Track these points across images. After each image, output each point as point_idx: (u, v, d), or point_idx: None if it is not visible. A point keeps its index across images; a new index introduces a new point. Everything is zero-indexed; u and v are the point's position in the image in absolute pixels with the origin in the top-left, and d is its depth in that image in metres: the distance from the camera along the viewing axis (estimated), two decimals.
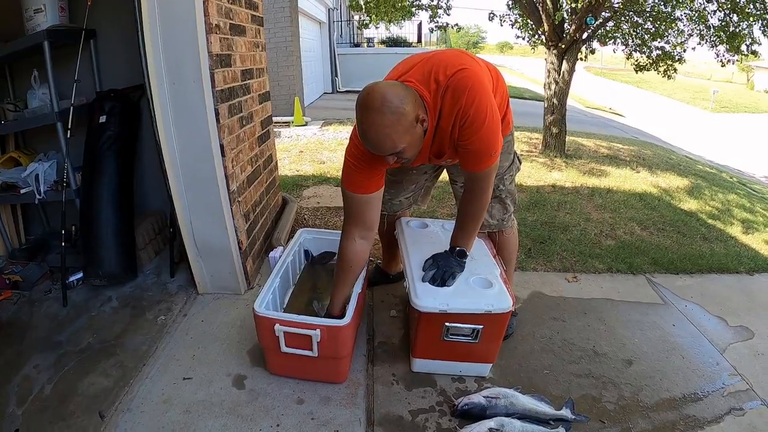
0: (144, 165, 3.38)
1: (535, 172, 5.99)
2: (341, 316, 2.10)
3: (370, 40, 22.79)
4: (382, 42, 23.17)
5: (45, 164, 3.25)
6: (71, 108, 2.97)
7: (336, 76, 16.03)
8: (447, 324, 2.17)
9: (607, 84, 29.59)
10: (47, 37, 2.88)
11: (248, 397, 2.19)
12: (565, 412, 2.15)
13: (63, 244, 2.98)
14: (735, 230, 4.82)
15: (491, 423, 1.99)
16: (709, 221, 4.98)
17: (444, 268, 2.26)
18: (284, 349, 2.11)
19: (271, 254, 3.25)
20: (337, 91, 15.94)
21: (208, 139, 2.58)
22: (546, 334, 2.77)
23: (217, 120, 2.59)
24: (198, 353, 2.49)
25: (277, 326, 2.06)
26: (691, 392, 2.45)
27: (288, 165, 6.15)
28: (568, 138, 7.76)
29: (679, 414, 2.29)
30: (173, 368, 2.39)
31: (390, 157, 1.89)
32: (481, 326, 2.19)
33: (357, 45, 21.19)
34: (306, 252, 3.01)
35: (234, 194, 2.81)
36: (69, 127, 2.97)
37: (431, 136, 2.03)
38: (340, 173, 4.87)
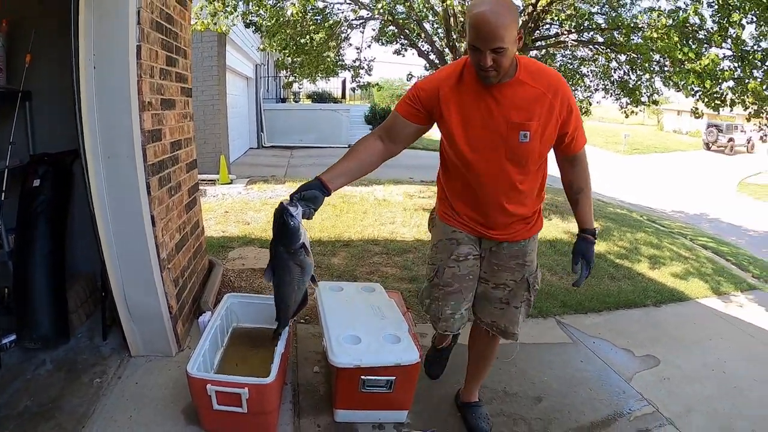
0: (75, 227, 3.43)
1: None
2: (328, 187, 2.06)
3: (296, 95, 23.15)
4: (309, 96, 23.56)
5: None
6: (6, 170, 3.06)
7: (262, 131, 16.27)
8: (362, 377, 2.38)
9: None
10: None
11: None
12: None
13: None
14: (642, 267, 5.25)
15: None
16: (617, 261, 5.41)
17: (591, 260, 2.32)
18: (216, 407, 2.24)
19: (200, 319, 3.34)
20: (263, 146, 16.15)
21: (140, 210, 2.71)
22: (459, 379, 2.94)
23: (148, 192, 2.74)
24: (135, 414, 2.57)
25: (209, 386, 2.20)
26: (599, 420, 2.73)
27: (213, 226, 6.18)
28: None
29: None
30: (112, 430, 2.46)
31: (489, 55, 1.85)
32: (394, 377, 2.42)
33: (283, 100, 21.53)
34: None
35: (164, 261, 2.93)
36: (3, 189, 3.06)
37: (515, 96, 2.01)
38: (264, 236, 5.04)
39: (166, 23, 3.04)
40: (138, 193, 2.69)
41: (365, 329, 2.58)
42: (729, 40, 4.91)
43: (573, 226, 6.52)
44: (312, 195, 2.00)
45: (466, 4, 6.57)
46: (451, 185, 2.31)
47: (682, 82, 5.12)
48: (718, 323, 4.18)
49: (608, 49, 6.25)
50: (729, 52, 5.07)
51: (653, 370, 3.31)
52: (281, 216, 1.96)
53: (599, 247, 5.71)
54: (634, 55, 5.72)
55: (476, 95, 2.03)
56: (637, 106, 7.51)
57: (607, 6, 6.44)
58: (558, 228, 6.58)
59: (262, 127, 16.24)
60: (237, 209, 7.29)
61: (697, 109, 6.35)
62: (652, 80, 6.88)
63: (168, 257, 3.02)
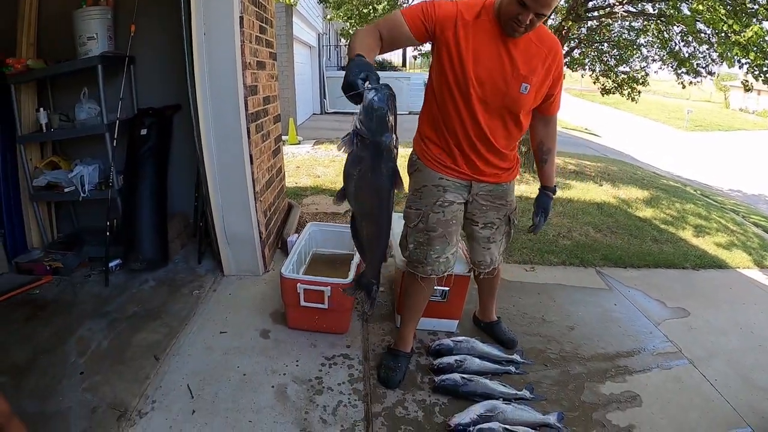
0: (173, 172, 3.97)
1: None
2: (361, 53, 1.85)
3: None
4: None
5: (89, 167, 3.82)
6: (117, 121, 3.60)
7: (324, 98, 16.66)
8: None
9: (585, 105, 30.00)
10: (100, 61, 3.51)
11: (273, 344, 2.83)
12: (516, 356, 2.81)
13: (107, 233, 3.56)
14: (686, 234, 5.35)
15: (452, 360, 2.65)
16: (662, 226, 5.55)
17: (548, 212, 2.63)
18: (303, 303, 2.77)
19: (289, 239, 3.91)
20: (325, 112, 16.52)
21: (241, 150, 3.29)
22: (504, 306, 3.38)
23: (248, 135, 3.30)
24: (230, 316, 3.14)
25: (298, 285, 2.74)
26: (624, 350, 3.03)
27: (288, 178, 6.65)
28: None
29: (611, 364, 2.88)
30: (211, 326, 3.02)
31: (530, 17, 1.96)
32: (448, 288, 2.86)
33: (344, 68, 21.89)
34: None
35: (257, 194, 3.49)
36: (115, 136, 3.59)
37: (527, 51, 2.15)
38: (333, 186, 5.48)
39: None
40: (240, 135, 3.25)
41: None
42: None
43: (622, 193, 6.74)
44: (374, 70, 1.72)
45: None
46: (442, 127, 2.33)
47: (727, 53, 5.18)
48: (755, 291, 4.20)
49: (658, 20, 6.32)
50: None
51: (682, 319, 3.51)
52: (386, 93, 1.59)
53: (645, 213, 5.98)
54: (684, 27, 5.80)
55: (491, 38, 2.12)
56: (695, 77, 7.47)
57: None
58: (608, 193, 6.77)
59: (325, 93, 16.65)
60: (307, 165, 7.84)
61: (747, 81, 6.37)
62: (708, 51, 6.88)
63: (260, 191, 3.57)
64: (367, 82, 1.60)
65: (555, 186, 2.63)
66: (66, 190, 3.77)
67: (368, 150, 1.62)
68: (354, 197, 1.72)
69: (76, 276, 3.62)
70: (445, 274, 2.56)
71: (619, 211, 5.94)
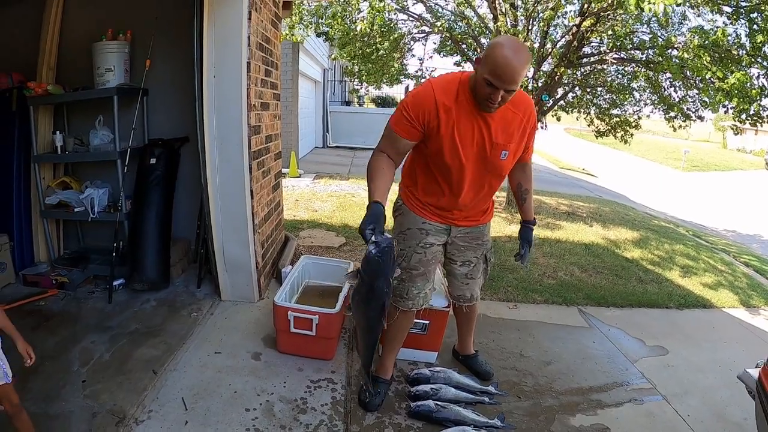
0: (178, 200, 4.19)
1: (495, 225, 6.56)
2: (384, 203, 2.25)
3: (360, 99, 23.68)
4: (372, 101, 23.98)
5: (99, 190, 4.04)
6: (128, 149, 3.85)
7: (327, 131, 16.87)
8: None
9: (584, 145, 30.23)
10: (116, 92, 3.77)
11: (263, 366, 3.03)
12: (490, 388, 2.98)
13: (114, 254, 3.78)
14: (673, 274, 5.44)
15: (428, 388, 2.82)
16: (649, 266, 5.65)
17: (531, 243, 2.84)
18: (293, 330, 2.98)
19: (284, 270, 4.10)
20: (327, 146, 16.71)
21: (243, 185, 3.54)
22: (483, 341, 3.54)
23: (250, 171, 3.55)
24: (224, 338, 3.33)
25: (289, 312, 2.96)
26: (598, 385, 3.16)
27: (286, 211, 6.74)
28: (533, 197, 8.59)
29: (584, 398, 3.02)
30: (206, 346, 3.22)
31: (503, 95, 2.14)
32: (428, 321, 3.07)
33: (348, 103, 22.02)
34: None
35: (256, 226, 3.72)
36: (126, 163, 3.84)
37: (504, 120, 2.35)
38: (329, 221, 5.67)
39: (265, 43, 3.83)
40: (243, 171, 3.51)
41: None
42: (760, 58, 5.14)
43: (611, 233, 6.90)
44: (384, 220, 2.20)
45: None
46: (428, 185, 2.57)
47: (711, 100, 5.40)
48: (738, 330, 4.27)
49: (646, 68, 6.53)
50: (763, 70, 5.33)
51: (660, 357, 3.58)
52: (384, 248, 2.06)
53: (633, 253, 6.10)
54: (669, 74, 6.02)
55: (470, 115, 2.31)
56: (685, 120, 7.68)
57: (654, 24, 6.68)
58: (597, 234, 6.92)
59: (328, 128, 16.88)
60: (306, 198, 8.05)
61: (735, 125, 6.57)
62: (697, 96, 7.07)
63: (259, 224, 3.80)
64: (373, 236, 2.06)
65: (534, 219, 2.89)
66: (76, 209, 3.99)
67: (364, 288, 2.16)
68: (353, 311, 2.29)
69: (80, 291, 3.83)
70: (423, 306, 2.76)
71: (606, 251, 6.07)
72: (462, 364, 3.24)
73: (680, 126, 7.90)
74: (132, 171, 3.96)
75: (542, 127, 8.12)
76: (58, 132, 3.96)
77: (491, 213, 2.81)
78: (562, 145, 28.36)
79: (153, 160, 3.93)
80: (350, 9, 7.23)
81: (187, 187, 4.19)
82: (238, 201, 3.56)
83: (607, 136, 8.68)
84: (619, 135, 8.48)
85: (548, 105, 7.61)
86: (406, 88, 18.92)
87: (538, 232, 6.48)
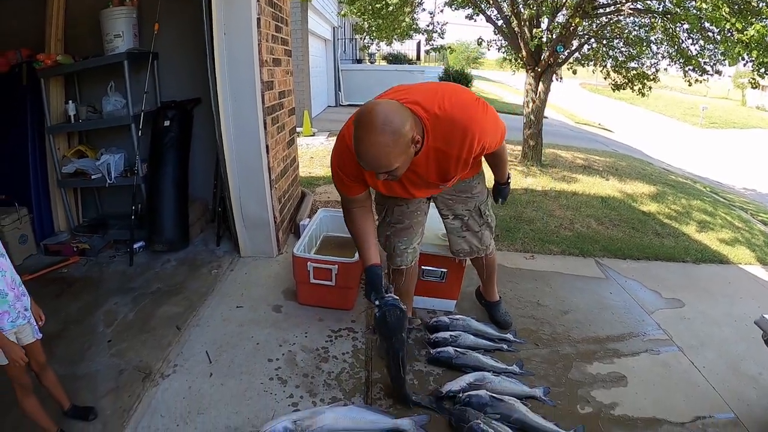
0: (193, 162, 4.22)
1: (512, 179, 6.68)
2: (379, 265, 2.33)
3: (371, 56, 23.37)
4: (384, 58, 23.66)
5: (115, 156, 4.08)
6: (142, 113, 3.87)
7: (339, 90, 16.79)
8: (423, 267, 3.06)
9: (600, 101, 29.67)
10: (127, 57, 3.78)
11: (284, 317, 3.10)
12: (508, 335, 3.02)
13: (132, 217, 3.85)
14: (689, 229, 5.38)
15: (447, 335, 2.87)
16: (665, 220, 5.60)
17: (505, 197, 2.90)
18: (312, 280, 3.03)
19: (301, 223, 4.16)
20: (340, 105, 16.62)
21: (258, 141, 3.57)
22: (501, 290, 3.49)
23: (264, 127, 3.56)
24: (245, 292, 3.40)
25: (309, 263, 3.00)
26: (615, 335, 3.17)
27: (301, 168, 6.81)
28: (548, 150, 8.55)
29: (600, 347, 3.04)
30: (228, 301, 3.29)
31: (381, 175, 1.95)
32: (446, 270, 3.09)
33: (359, 61, 21.88)
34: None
35: (273, 182, 3.76)
36: (140, 127, 3.86)
37: (433, 161, 2.13)
38: None
39: None
40: (257, 127, 3.53)
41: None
42: None
43: (627, 187, 6.83)
44: (380, 281, 2.28)
45: None
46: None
47: (730, 52, 5.24)
48: (754, 287, 4.19)
49: (663, 19, 6.35)
50: None
51: (676, 310, 3.57)
52: (387, 311, 2.21)
53: (649, 207, 6.05)
54: (687, 25, 5.85)
55: None
56: (701, 75, 7.49)
57: None
58: (614, 187, 6.85)
59: (340, 86, 16.78)
60: (320, 156, 8.05)
61: (754, 79, 6.40)
62: (715, 50, 6.89)
63: (275, 179, 3.83)
64: (377, 300, 2.23)
65: (508, 178, 2.85)
66: (93, 176, 4.05)
67: (383, 345, 2.37)
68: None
69: (101, 257, 3.91)
70: (412, 263, 2.77)
71: (623, 204, 6.03)
72: (483, 309, 3.28)
73: (696, 80, 7.72)
74: (146, 135, 3.99)
75: (557, 80, 7.98)
76: (70, 101, 3.99)
77: (478, 168, 2.71)
78: (577, 100, 27.80)
79: (167, 123, 3.96)
80: None
81: (202, 148, 4.22)
82: (254, 157, 3.59)
83: (624, 89, 8.48)
84: (636, 88, 8.26)
85: (563, 57, 7.49)
86: (418, 44, 18.71)
87: (554, 185, 6.58)
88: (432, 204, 2.81)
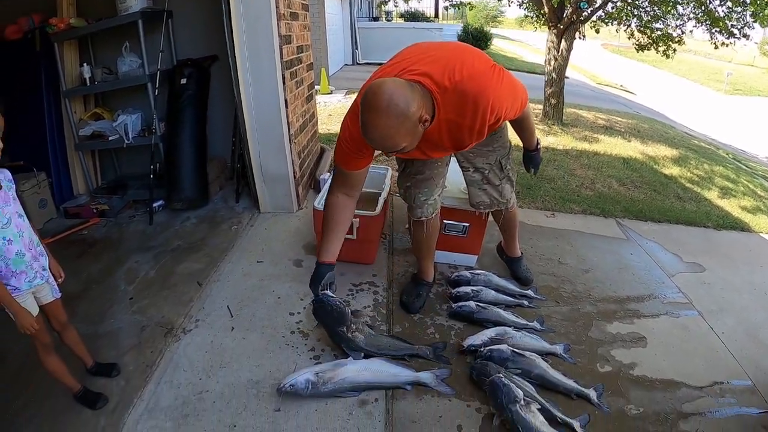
0: (211, 120, 4.18)
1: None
2: (332, 263, 2.32)
3: (388, 14, 23.05)
4: (401, 16, 23.33)
5: (132, 116, 4.07)
6: (158, 72, 3.84)
7: (356, 48, 16.56)
8: (445, 221, 3.02)
9: (622, 62, 29.11)
10: (141, 16, 3.73)
11: (305, 272, 3.08)
12: (529, 292, 3.02)
13: (151, 176, 3.84)
14: (711, 195, 5.31)
15: (469, 289, 2.87)
16: (687, 185, 5.53)
17: (537, 164, 2.83)
18: None
19: (321, 177, 4.17)
20: (357, 63, 16.44)
21: (277, 96, 3.51)
22: (522, 246, 3.44)
23: (283, 82, 3.51)
24: (266, 247, 3.41)
25: None
26: (635, 296, 3.16)
27: (320, 125, 6.79)
28: (570, 110, 8.42)
29: (621, 307, 3.03)
30: (248, 256, 3.30)
31: (390, 153, 1.96)
32: (468, 224, 3.06)
33: (376, 19, 21.52)
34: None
35: (292, 136, 3.72)
36: (156, 86, 3.84)
37: (446, 131, 2.07)
38: None
39: None
40: (276, 82, 3.47)
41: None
42: None
43: (650, 149, 6.72)
44: (329, 279, 2.29)
45: None
46: None
47: (759, 13, 5.07)
48: None
49: None
50: None
51: (696, 274, 3.54)
52: (330, 308, 2.27)
53: (671, 170, 5.96)
54: None
55: None
56: (728, 38, 7.30)
57: None
58: (636, 149, 6.75)
59: (357, 44, 16.56)
60: (339, 113, 7.96)
61: None
62: (744, 12, 6.70)
63: (294, 134, 3.79)
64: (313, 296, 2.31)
65: (537, 145, 2.78)
66: (110, 138, 4.05)
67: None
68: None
69: (121, 217, 3.93)
70: (433, 215, 2.71)
71: (645, 167, 5.95)
72: (505, 265, 3.27)
73: (723, 44, 7.52)
74: (163, 94, 3.96)
75: (580, 38, 7.81)
76: (85, 64, 3.97)
77: (501, 123, 2.57)
78: (599, 61, 27.27)
79: (183, 81, 3.92)
80: None
81: (220, 105, 4.18)
82: (273, 112, 3.54)
83: (648, 50, 8.27)
84: (660, 49, 8.06)
85: (587, 13, 7.30)
86: (436, 0, 18.35)
87: (575, 144, 6.52)
88: (452, 157, 2.77)
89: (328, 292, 2.29)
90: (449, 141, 2.14)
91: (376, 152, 2.17)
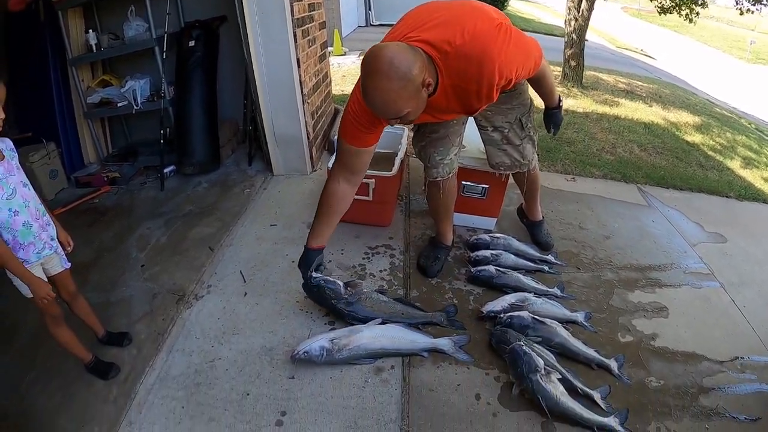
0: (221, 82, 4.08)
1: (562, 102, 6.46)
2: (321, 247, 2.33)
3: None
4: None
5: (140, 81, 4.00)
6: (165, 35, 3.74)
7: (369, 9, 16.16)
8: (463, 182, 2.93)
9: (642, 26, 28.50)
10: None
11: None
12: (549, 257, 2.93)
13: (161, 141, 3.78)
14: (734, 164, 5.17)
15: (488, 253, 2.79)
16: (710, 153, 5.38)
17: (558, 123, 2.70)
18: None
19: (335, 138, 3.99)
20: (371, 25, 16.06)
21: (289, 54, 3.39)
22: (542, 210, 3.35)
23: (295, 40, 3.38)
24: (279, 210, 3.35)
25: None
26: (657, 264, 3.08)
27: (334, 86, 6.72)
28: (589, 72, 8.19)
29: (642, 275, 2.95)
30: (261, 220, 3.24)
31: (393, 120, 1.89)
32: (487, 186, 2.96)
33: None
34: None
35: (305, 97, 3.61)
36: (164, 50, 3.74)
37: (453, 96, 2.01)
38: None
39: None
40: (287, 39, 3.35)
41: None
42: None
43: (671, 115, 6.55)
44: (317, 262, 2.31)
45: None
46: None
47: None
48: None
49: None
50: None
51: (719, 245, 3.44)
52: (319, 288, 2.30)
53: (694, 138, 5.80)
54: None
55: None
56: (754, 4, 7.06)
57: None
58: (657, 114, 6.56)
59: (370, 5, 16.15)
60: (353, 74, 7.81)
61: None
62: None
63: (307, 94, 3.68)
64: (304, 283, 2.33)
65: (559, 102, 2.65)
66: (119, 104, 3.99)
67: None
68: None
69: (132, 184, 3.89)
70: (449, 175, 2.61)
71: (666, 132, 5.79)
72: (525, 228, 3.20)
73: (748, 10, 7.27)
74: (171, 58, 3.88)
75: None
76: (90, 31, 3.89)
77: (513, 84, 2.41)
78: (618, 24, 26.61)
79: (192, 43, 3.81)
80: None
81: (230, 67, 4.08)
82: (285, 71, 3.43)
83: (670, 12, 8.05)
84: (684, 13, 7.85)
85: None
86: None
87: (596, 107, 6.36)
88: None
89: (315, 274, 2.30)
90: (459, 105, 2.07)
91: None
